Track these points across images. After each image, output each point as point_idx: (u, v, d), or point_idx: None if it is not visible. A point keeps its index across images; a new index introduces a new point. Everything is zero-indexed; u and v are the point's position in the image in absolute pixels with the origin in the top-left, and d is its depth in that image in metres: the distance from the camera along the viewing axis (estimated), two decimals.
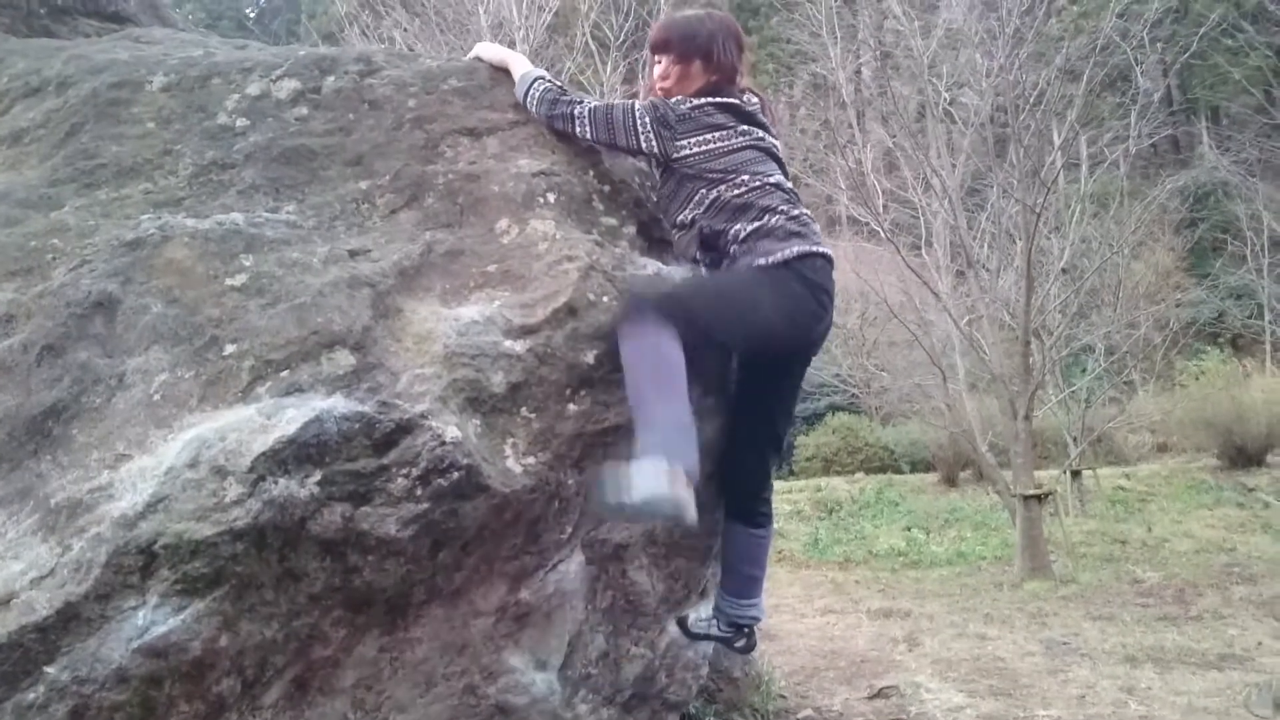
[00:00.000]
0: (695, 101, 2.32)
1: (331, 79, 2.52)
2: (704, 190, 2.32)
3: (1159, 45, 12.10)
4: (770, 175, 2.34)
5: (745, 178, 2.30)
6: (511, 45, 9.71)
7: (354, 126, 2.42)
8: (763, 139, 2.39)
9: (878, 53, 12.50)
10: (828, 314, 2.33)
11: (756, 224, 2.25)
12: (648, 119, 2.32)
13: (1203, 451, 14.63)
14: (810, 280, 2.24)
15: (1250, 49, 17.03)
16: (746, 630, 2.58)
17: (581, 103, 2.39)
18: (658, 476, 1.78)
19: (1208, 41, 13.58)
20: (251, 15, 42.81)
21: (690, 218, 2.36)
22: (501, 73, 2.63)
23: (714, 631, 2.59)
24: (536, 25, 11.46)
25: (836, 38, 11.42)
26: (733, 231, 2.27)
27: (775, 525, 2.55)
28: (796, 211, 2.32)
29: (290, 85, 2.49)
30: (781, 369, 2.47)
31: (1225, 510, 11.44)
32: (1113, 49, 10.25)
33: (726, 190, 2.30)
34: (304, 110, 2.44)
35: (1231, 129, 20.34)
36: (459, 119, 2.50)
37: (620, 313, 2.10)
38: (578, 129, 2.39)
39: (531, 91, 2.44)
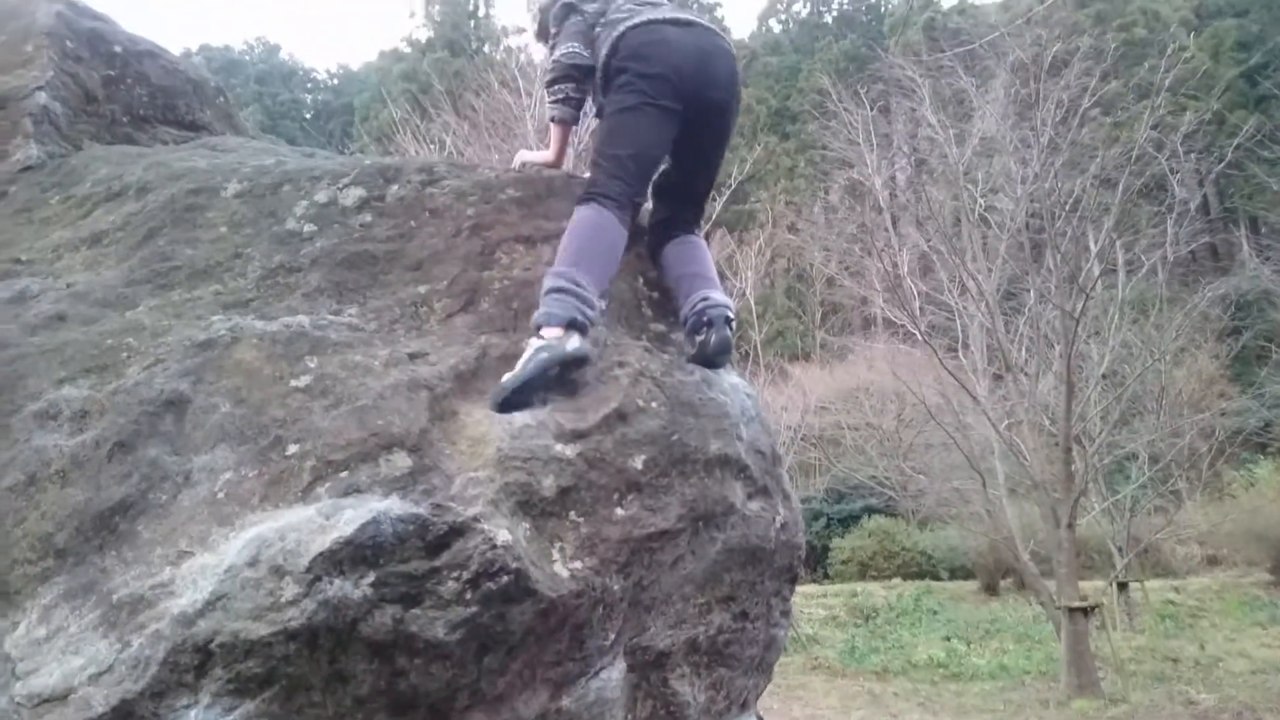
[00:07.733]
0: None
1: (395, 187, 2.64)
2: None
3: (1194, 155, 12.20)
4: None
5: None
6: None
7: (415, 233, 2.52)
8: None
9: (912, 159, 12.75)
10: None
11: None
12: None
13: (1254, 565, 14.14)
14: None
15: None
16: (707, 322, 2.44)
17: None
18: (533, 346, 2.08)
19: (1244, 152, 13.67)
20: (309, 117, 44.83)
21: None
22: (557, 180, 2.74)
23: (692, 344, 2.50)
24: (582, 131, 11.86)
25: (873, 144, 11.71)
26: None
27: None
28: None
29: (356, 193, 2.61)
30: (693, 135, 2.53)
31: None
32: (1147, 159, 10.38)
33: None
34: (368, 217, 2.55)
35: (1271, 238, 20.26)
36: (515, 226, 2.60)
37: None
38: (561, 52, 2.60)
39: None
